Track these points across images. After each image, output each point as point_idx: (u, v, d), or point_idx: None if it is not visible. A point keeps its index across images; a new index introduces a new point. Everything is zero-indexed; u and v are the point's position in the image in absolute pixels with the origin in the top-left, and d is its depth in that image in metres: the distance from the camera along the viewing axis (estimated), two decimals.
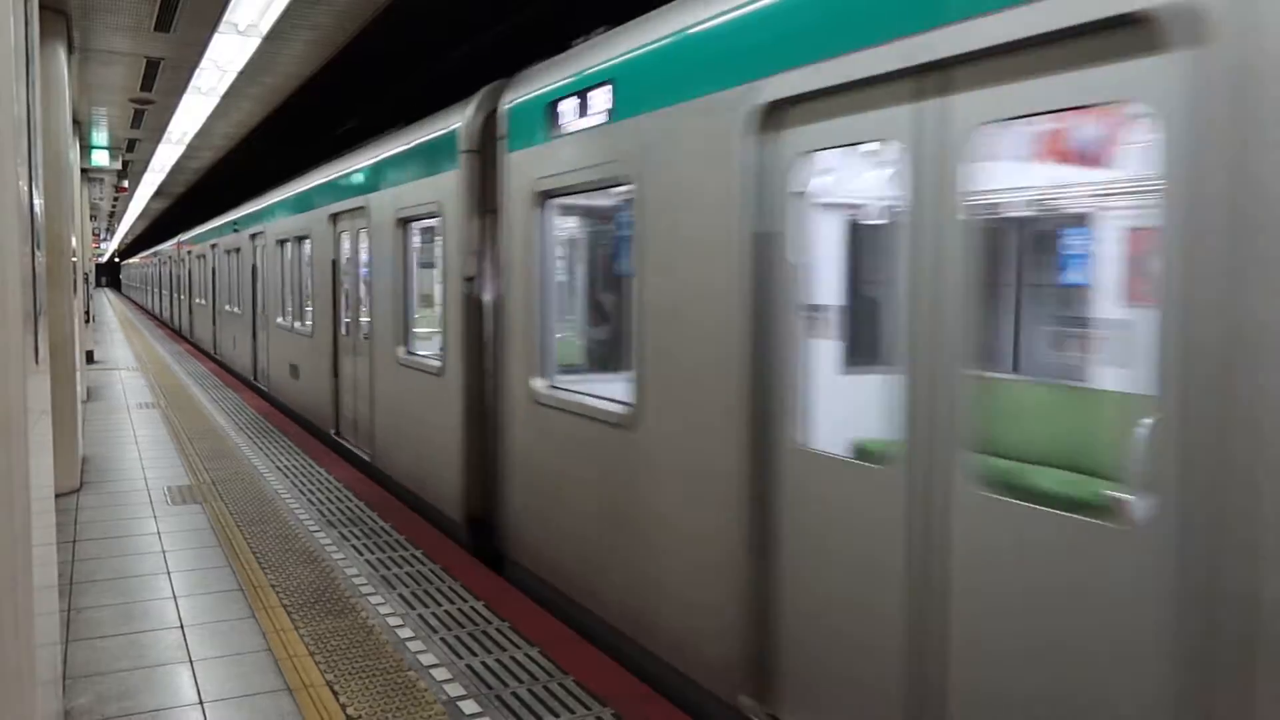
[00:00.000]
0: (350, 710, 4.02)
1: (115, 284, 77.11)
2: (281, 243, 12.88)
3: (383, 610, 5.19)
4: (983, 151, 2.87)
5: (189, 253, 25.00)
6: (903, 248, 3.10)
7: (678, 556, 4.26)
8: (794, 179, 3.57)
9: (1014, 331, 4.69)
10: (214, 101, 12.14)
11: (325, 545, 6.38)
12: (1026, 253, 4.76)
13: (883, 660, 3.21)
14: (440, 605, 5.27)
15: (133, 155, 17.10)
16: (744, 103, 3.68)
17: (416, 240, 7.91)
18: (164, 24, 8.49)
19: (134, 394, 14.05)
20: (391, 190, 7.95)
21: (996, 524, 2.77)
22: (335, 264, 9.99)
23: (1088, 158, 3.81)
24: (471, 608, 5.23)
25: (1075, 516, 2.58)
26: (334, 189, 9.95)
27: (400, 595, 5.42)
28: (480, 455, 6.51)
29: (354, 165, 9.29)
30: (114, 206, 29.51)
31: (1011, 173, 3.90)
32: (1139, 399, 2.44)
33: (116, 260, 75.03)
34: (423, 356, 7.58)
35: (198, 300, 23.53)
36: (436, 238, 7.13)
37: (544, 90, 5.40)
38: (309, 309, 11.42)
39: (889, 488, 3.16)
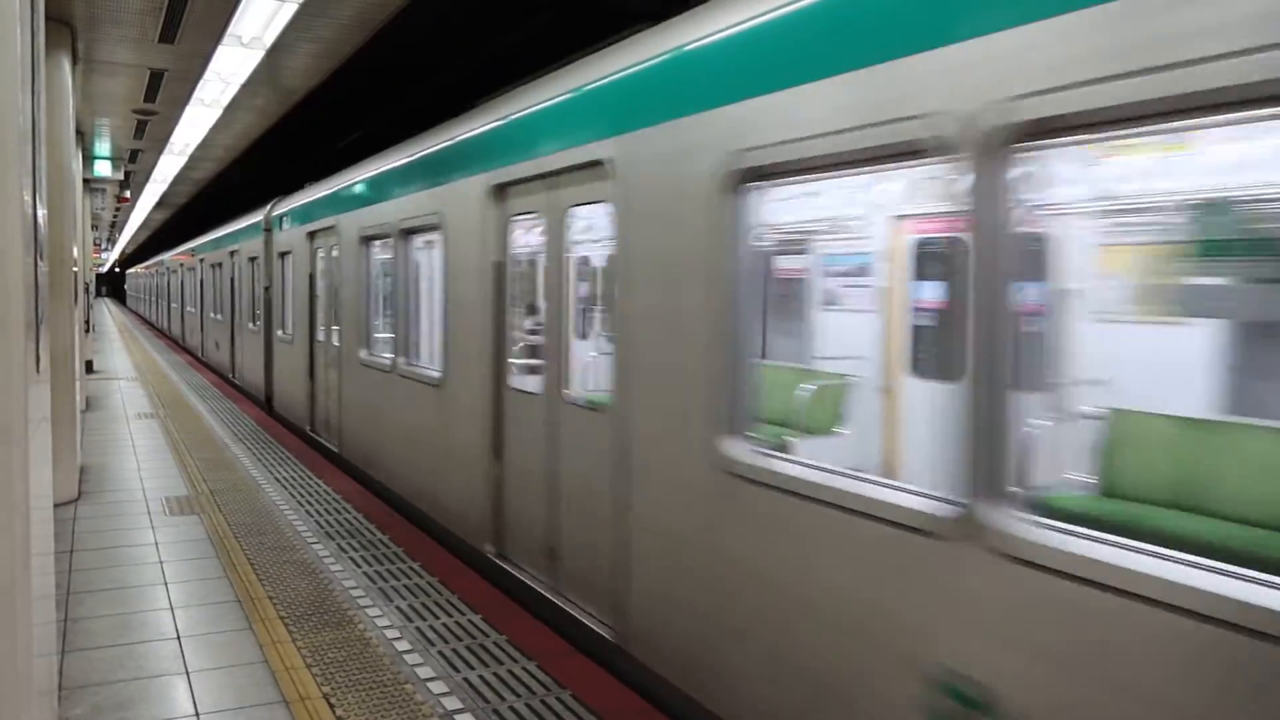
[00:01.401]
0: None
1: (116, 294, 75.62)
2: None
3: (380, 623, 5.17)
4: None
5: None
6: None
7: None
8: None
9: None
10: (216, 113, 12.19)
11: (323, 557, 6.37)
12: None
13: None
14: (438, 618, 5.25)
15: (135, 166, 17.16)
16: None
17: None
18: (168, 36, 8.54)
19: (133, 404, 14.05)
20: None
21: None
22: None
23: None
24: (469, 620, 5.22)
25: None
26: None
27: (398, 608, 5.41)
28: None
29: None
30: (115, 217, 29.56)
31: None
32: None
33: (117, 270, 74.25)
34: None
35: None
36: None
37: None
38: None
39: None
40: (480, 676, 4.50)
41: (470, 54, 9.68)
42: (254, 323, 15.00)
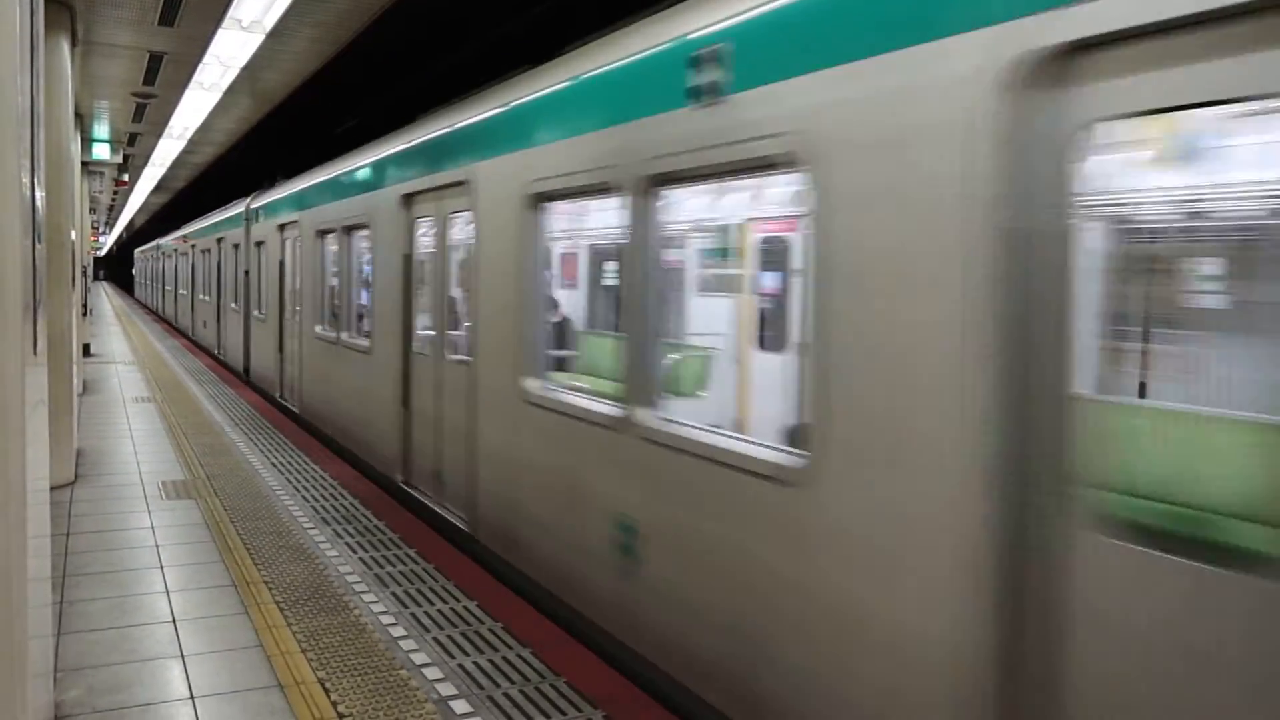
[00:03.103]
0: (341, 708, 4.02)
1: (116, 279, 73.08)
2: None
3: (376, 608, 5.19)
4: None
5: None
6: None
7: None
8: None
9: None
10: (216, 97, 12.14)
11: (319, 542, 6.38)
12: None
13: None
14: (433, 604, 5.27)
15: (133, 149, 17.11)
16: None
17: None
18: (167, 18, 8.50)
19: (130, 388, 14.04)
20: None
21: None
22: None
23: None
24: (464, 607, 5.23)
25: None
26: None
27: (393, 594, 5.42)
28: None
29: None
30: (113, 200, 29.49)
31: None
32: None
33: (114, 252, 72.55)
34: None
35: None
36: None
37: None
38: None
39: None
40: (475, 663, 4.51)
41: (471, 40, 9.64)
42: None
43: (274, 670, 4.37)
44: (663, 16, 4.56)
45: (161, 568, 5.83)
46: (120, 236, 57.02)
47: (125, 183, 22.34)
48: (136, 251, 49.90)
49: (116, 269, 73.59)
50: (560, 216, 6.11)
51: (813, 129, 3.38)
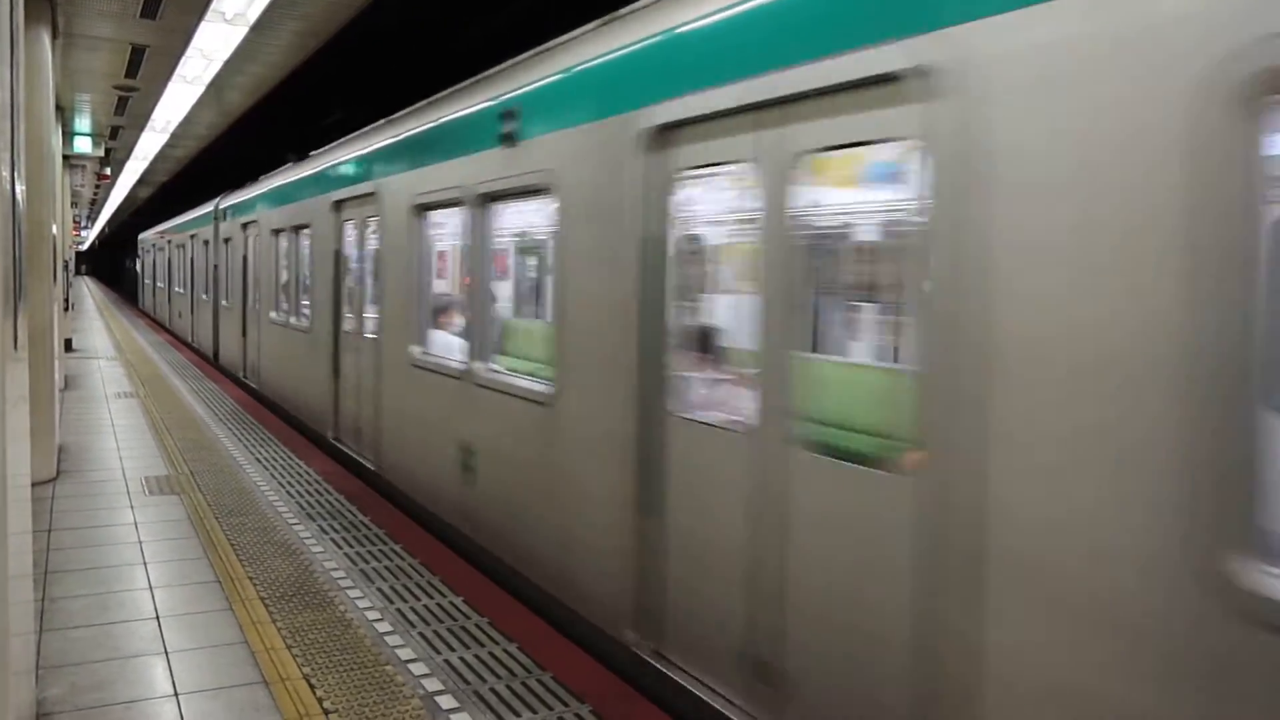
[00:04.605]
0: (327, 704, 4.01)
1: (100, 274, 70.12)
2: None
3: (361, 604, 5.17)
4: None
5: None
6: None
7: None
8: None
9: None
10: (199, 90, 12.06)
11: (304, 538, 6.36)
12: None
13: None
14: (419, 600, 5.26)
15: (115, 143, 16.97)
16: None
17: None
18: (150, 11, 8.43)
19: (112, 383, 13.94)
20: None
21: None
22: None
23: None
24: (450, 603, 5.22)
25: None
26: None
27: (379, 589, 5.41)
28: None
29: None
30: (95, 194, 29.25)
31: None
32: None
33: (97, 246, 70.49)
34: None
35: None
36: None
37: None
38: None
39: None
40: (461, 658, 4.51)
41: (457, 33, 9.61)
42: None
43: (259, 666, 4.36)
44: None
45: (144, 564, 5.80)
46: (102, 231, 56.54)
47: (108, 176, 22.17)
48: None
49: (100, 263, 72.49)
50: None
51: None
